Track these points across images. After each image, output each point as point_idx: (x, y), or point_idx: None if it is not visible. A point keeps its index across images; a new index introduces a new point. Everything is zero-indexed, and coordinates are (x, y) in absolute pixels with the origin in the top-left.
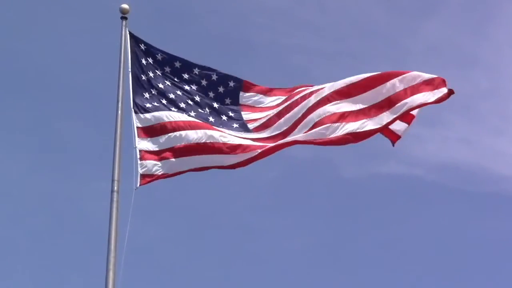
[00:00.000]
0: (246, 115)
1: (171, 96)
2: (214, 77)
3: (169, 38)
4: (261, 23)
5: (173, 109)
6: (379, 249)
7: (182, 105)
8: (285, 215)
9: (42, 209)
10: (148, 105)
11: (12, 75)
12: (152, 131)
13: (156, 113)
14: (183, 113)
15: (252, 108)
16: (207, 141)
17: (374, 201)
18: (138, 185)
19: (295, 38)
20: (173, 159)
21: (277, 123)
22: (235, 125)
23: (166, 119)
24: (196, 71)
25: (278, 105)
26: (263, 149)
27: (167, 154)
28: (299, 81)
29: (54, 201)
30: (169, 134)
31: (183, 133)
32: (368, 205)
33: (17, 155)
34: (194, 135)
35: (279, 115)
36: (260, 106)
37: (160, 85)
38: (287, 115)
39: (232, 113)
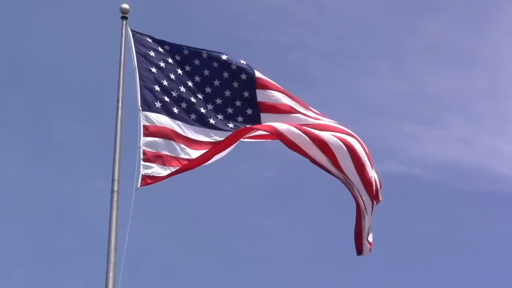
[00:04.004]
0: (260, 93)
1: (181, 88)
2: (224, 57)
3: (167, 37)
4: (258, 22)
5: (180, 112)
6: (377, 249)
7: (191, 100)
8: (284, 215)
9: (42, 209)
10: (157, 103)
11: (12, 74)
12: (158, 132)
13: (164, 116)
14: (187, 122)
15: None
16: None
17: None
18: (138, 185)
19: (292, 37)
20: (176, 167)
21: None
22: (243, 115)
23: (173, 128)
24: (205, 55)
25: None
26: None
27: (171, 160)
28: (297, 80)
29: (54, 201)
30: (175, 142)
31: (188, 149)
32: None
33: (17, 155)
34: (197, 154)
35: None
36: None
37: (172, 76)
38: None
39: (246, 93)
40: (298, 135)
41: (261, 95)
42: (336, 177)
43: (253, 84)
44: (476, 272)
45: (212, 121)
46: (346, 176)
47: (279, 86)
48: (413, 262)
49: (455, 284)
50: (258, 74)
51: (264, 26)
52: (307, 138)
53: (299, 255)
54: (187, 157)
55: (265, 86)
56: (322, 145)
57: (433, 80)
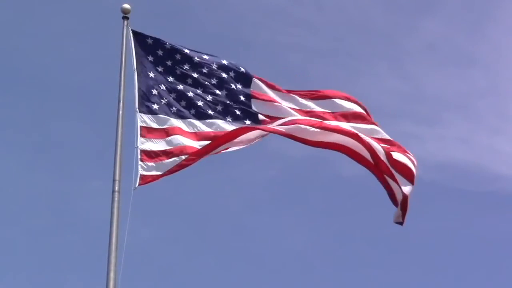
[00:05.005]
0: (255, 103)
1: (179, 87)
2: (225, 61)
3: (167, 37)
4: (258, 22)
5: (179, 110)
6: (377, 248)
7: (187, 101)
8: (284, 214)
9: (42, 209)
10: (155, 106)
11: (12, 74)
12: (155, 132)
13: (162, 116)
14: (186, 118)
15: (262, 95)
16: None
17: (372, 200)
18: (137, 185)
19: (292, 37)
20: (175, 159)
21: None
22: (240, 115)
23: (171, 125)
24: (204, 56)
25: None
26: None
27: (169, 155)
28: (296, 80)
29: (54, 201)
30: (172, 137)
31: (185, 140)
32: (366, 204)
33: (17, 154)
34: (196, 145)
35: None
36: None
37: (170, 78)
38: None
39: (242, 97)
40: (305, 130)
41: (257, 105)
42: (353, 155)
43: (249, 94)
44: (476, 272)
45: (210, 111)
46: (373, 150)
47: (279, 100)
48: (412, 261)
49: (455, 284)
50: (255, 86)
51: (264, 26)
52: (315, 129)
53: (299, 255)
54: (186, 151)
55: (261, 99)
56: (334, 131)
57: (433, 80)
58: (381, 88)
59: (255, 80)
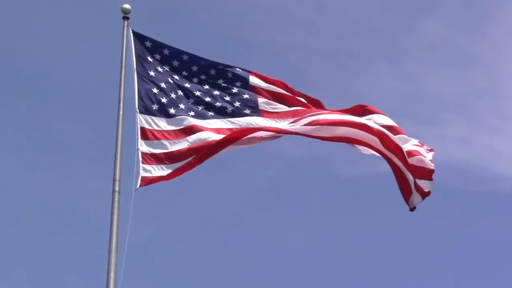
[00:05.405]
0: (259, 99)
1: (179, 92)
2: (221, 66)
3: (167, 37)
4: (258, 21)
5: (180, 108)
6: (376, 248)
7: (189, 102)
8: (283, 214)
9: (42, 209)
10: (155, 106)
11: (12, 74)
12: (155, 133)
13: (161, 119)
14: (188, 115)
15: (264, 91)
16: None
17: (371, 200)
18: (138, 186)
19: (292, 37)
20: (176, 163)
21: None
22: (246, 111)
23: (170, 128)
24: (203, 62)
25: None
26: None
27: (170, 157)
28: (296, 80)
29: (54, 201)
30: (172, 142)
31: (188, 137)
32: (365, 204)
33: (17, 155)
34: (198, 136)
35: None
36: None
37: (170, 80)
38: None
39: (244, 95)
40: (315, 128)
41: (257, 102)
42: (364, 145)
43: (247, 89)
44: (476, 272)
45: (211, 112)
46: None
47: (279, 92)
48: (412, 261)
49: (455, 284)
50: (253, 81)
51: (263, 26)
52: (322, 125)
53: (299, 255)
54: (194, 152)
55: (260, 94)
56: (341, 124)
57: (433, 80)
58: (381, 88)
59: (253, 78)
